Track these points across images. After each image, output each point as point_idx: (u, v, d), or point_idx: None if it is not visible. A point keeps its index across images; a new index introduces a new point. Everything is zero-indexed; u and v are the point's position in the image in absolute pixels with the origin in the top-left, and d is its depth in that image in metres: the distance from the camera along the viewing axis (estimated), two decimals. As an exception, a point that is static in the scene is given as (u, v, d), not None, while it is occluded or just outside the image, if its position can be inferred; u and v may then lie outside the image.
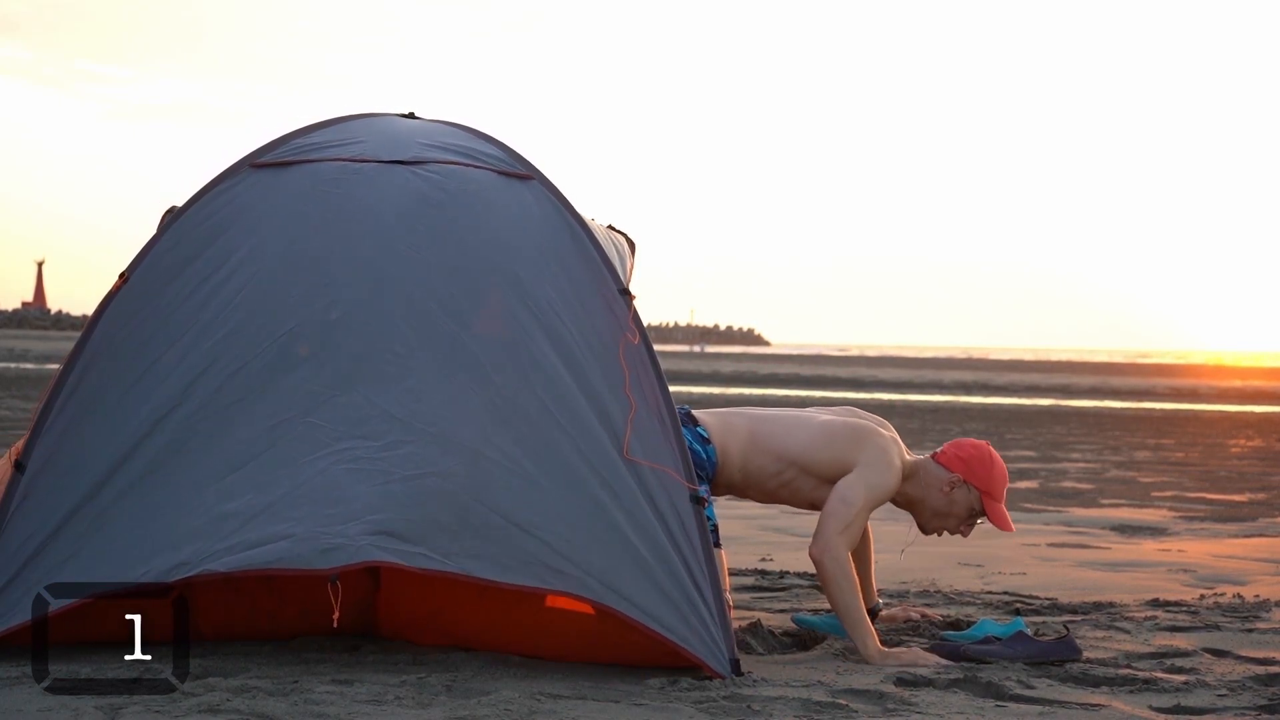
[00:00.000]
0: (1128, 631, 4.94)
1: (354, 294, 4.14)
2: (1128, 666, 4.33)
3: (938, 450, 4.77)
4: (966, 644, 4.41)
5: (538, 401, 4.05)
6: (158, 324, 4.15)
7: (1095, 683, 4.14)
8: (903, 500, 4.74)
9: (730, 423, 4.67)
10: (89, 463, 3.99)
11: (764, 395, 26.35)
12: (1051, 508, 9.65)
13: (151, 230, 4.36)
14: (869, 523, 4.91)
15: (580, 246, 4.35)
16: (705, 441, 4.56)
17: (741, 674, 3.96)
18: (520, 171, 4.48)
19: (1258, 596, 5.76)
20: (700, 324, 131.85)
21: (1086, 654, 4.49)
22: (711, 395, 25.50)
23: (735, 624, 4.27)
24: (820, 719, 3.64)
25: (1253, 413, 26.09)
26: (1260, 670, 4.34)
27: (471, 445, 3.96)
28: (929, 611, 5.11)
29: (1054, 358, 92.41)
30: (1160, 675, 4.22)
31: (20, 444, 4.15)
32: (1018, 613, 5.26)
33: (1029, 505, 9.68)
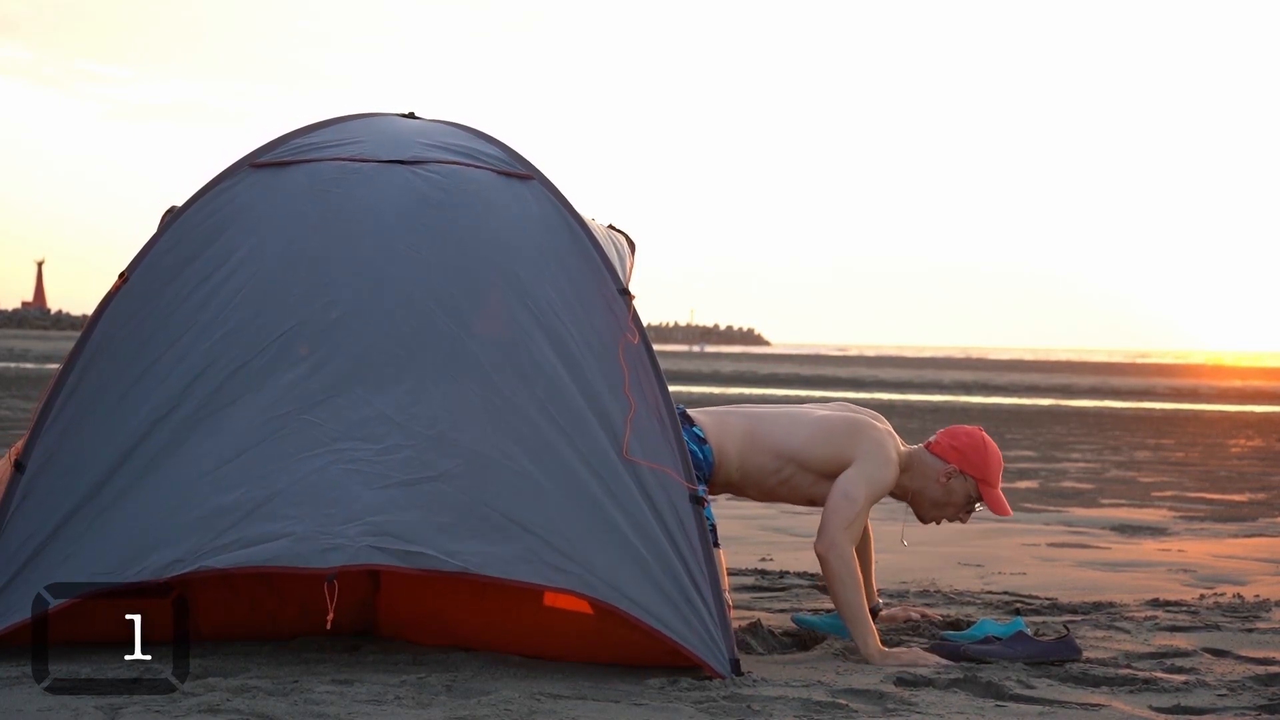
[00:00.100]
0: (1128, 631, 4.93)
1: (354, 294, 4.14)
2: (1128, 666, 4.33)
3: (931, 440, 4.77)
4: (966, 644, 4.41)
5: (537, 402, 4.04)
6: (157, 324, 4.15)
7: (1095, 683, 4.14)
8: (900, 492, 4.74)
9: (726, 422, 4.67)
10: (88, 462, 3.99)
11: (764, 395, 26.34)
12: (1051, 508, 9.64)
13: (151, 230, 4.36)
14: (869, 522, 4.90)
15: (580, 246, 4.35)
16: (701, 441, 4.56)
17: (741, 674, 3.96)
18: (520, 171, 4.47)
19: (1258, 596, 5.76)
20: (700, 324, 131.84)
21: (1086, 654, 4.49)
22: (711, 395, 25.49)
23: (735, 624, 4.26)
24: (820, 719, 3.64)
25: (1253, 413, 26.07)
26: (1260, 670, 4.34)
27: (471, 445, 3.95)
28: (929, 611, 5.11)
29: (1054, 358, 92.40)
30: (1160, 675, 4.21)
31: (20, 444, 4.15)
32: (1018, 613, 5.26)
33: (1029, 505, 9.68)
